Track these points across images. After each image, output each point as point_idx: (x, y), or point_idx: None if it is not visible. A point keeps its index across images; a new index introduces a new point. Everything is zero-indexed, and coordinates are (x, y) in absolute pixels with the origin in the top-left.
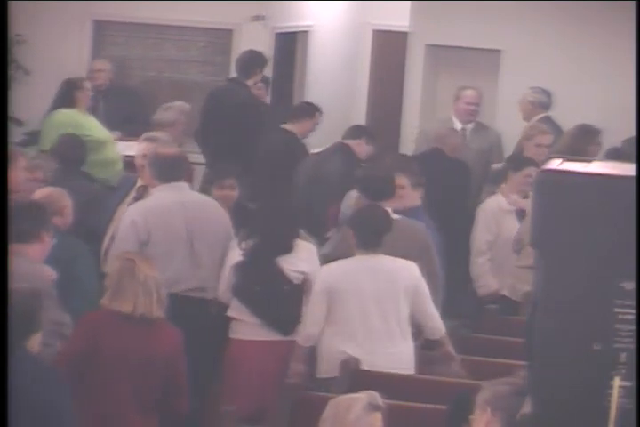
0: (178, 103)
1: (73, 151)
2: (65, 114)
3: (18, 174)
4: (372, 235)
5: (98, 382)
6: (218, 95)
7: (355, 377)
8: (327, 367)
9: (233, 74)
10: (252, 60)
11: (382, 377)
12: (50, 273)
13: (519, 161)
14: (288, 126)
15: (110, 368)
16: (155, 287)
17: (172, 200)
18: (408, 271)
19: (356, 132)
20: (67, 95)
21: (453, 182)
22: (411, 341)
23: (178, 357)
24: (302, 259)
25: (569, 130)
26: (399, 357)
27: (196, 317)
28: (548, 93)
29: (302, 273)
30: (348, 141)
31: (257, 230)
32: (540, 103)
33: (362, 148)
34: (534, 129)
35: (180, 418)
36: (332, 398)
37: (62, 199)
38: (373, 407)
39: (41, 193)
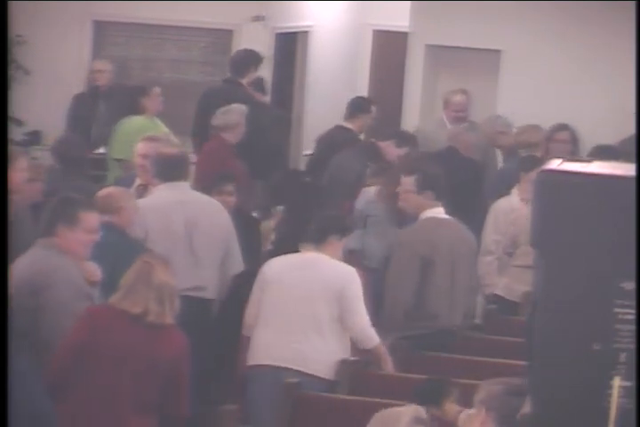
0: (235, 106)
1: (73, 151)
2: (136, 121)
3: (19, 175)
4: (318, 231)
5: (95, 378)
6: (213, 94)
7: (354, 379)
8: (253, 355)
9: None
10: (246, 59)
11: (382, 378)
12: (94, 272)
13: (531, 162)
14: (345, 123)
15: (109, 366)
16: (168, 295)
17: (172, 199)
18: (338, 276)
19: (386, 133)
20: (134, 102)
21: (467, 181)
22: (332, 343)
23: (182, 361)
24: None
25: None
26: (307, 354)
27: (196, 316)
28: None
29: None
30: (377, 142)
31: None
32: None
33: (390, 149)
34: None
35: (180, 421)
36: (378, 412)
37: (121, 199)
38: (419, 421)
39: (102, 192)
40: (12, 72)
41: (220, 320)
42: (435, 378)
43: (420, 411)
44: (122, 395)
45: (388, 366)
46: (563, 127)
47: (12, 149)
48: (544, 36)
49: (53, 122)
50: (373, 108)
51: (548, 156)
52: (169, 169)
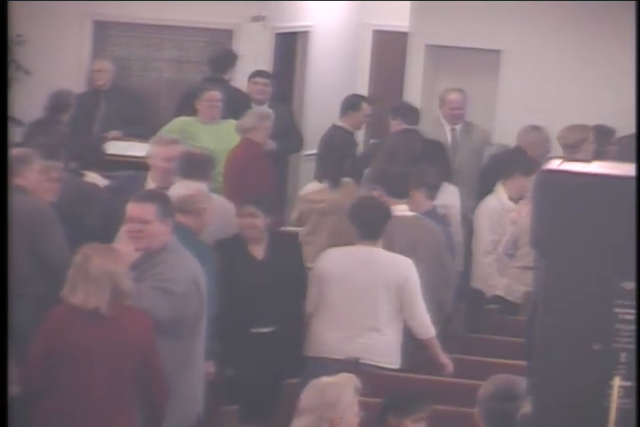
0: (256, 108)
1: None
2: (181, 121)
3: (34, 176)
4: (369, 227)
5: (72, 378)
6: (194, 93)
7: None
8: (312, 348)
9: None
10: (226, 57)
11: (383, 378)
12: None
13: (532, 166)
14: (338, 122)
15: (81, 361)
16: (109, 282)
17: None
18: (398, 267)
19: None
20: (187, 104)
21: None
22: (391, 335)
23: (149, 343)
24: (444, 197)
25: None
26: (369, 347)
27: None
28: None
29: (444, 206)
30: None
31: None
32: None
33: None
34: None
35: (160, 403)
36: (312, 383)
37: (204, 202)
38: (358, 391)
39: (181, 191)
40: (12, 72)
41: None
42: (411, 396)
43: (356, 380)
44: (101, 390)
45: (442, 359)
46: (535, 129)
47: (26, 151)
48: (544, 36)
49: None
50: (364, 105)
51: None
52: (192, 168)
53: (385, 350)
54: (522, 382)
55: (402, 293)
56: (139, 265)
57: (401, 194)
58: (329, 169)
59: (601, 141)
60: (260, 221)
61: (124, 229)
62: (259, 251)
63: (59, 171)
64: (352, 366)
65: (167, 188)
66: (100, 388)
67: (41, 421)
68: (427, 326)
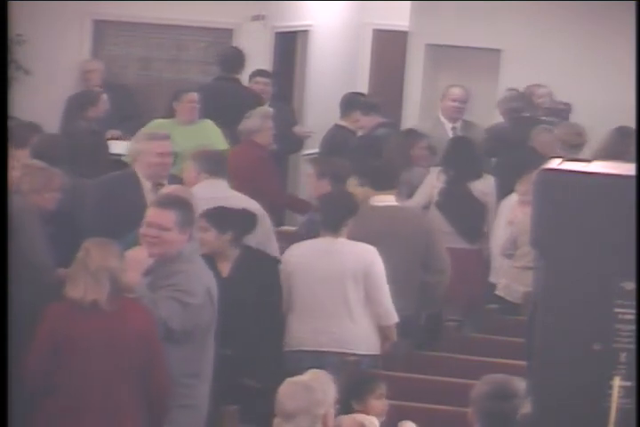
0: (258, 109)
1: (53, 150)
2: (158, 123)
3: (54, 195)
4: (334, 218)
5: (74, 372)
6: (209, 92)
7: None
8: (289, 342)
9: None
10: (237, 56)
11: (382, 378)
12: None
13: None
14: (339, 121)
15: (83, 356)
16: (107, 276)
17: (210, 197)
18: (361, 255)
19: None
20: (169, 106)
21: None
22: (364, 322)
23: (150, 335)
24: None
25: (607, 133)
26: (340, 336)
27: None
28: (521, 97)
29: (483, 193)
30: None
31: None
32: (513, 109)
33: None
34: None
35: (162, 399)
36: (285, 383)
37: (185, 195)
38: (334, 385)
39: (214, 187)
40: (12, 72)
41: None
42: (362, 376)
43: (329, 375)
44: (103, 384)
45: (386, 346)
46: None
47: (51, 170)
48: (544, 36)
49: (53, 122)
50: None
51: None
52: (212, 165)
53: (360, 338)
54: (515, 381)
55: (367, 279)
56: (153, 271)
57: (386, 186)
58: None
59: (623, 142)
60: (210, 235)
61: (140, 231)
62: (225, 267)
63: (61, 179)
64: (352, 366)
65: (162, 184)
66: (101, 382)
67: (45, 417)
68: (391, 313)
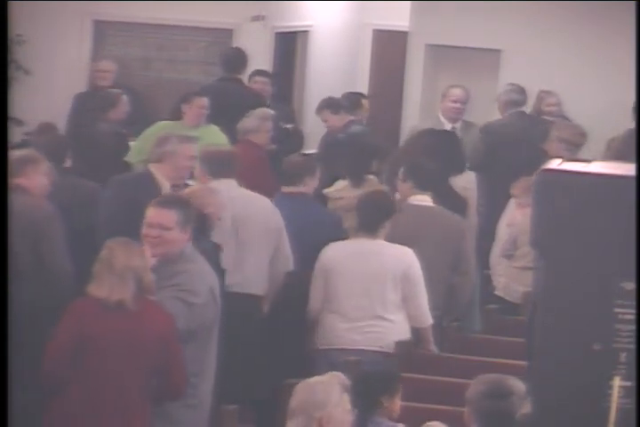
0: (258, 110)
1: (55, 148)
2: (161, 126)
3: (41, 179)
4: (372, 220)
5: (94, 370)
6: (214, 91)
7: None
8: (323, 340)
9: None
10: (240, 57)
11: None
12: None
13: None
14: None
15: (103, 354)
16: (132, 276)
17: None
18: (401, 258)
19: (319, 105)
20: (176, 108)
21: None
22: (400, 322)
23: (169, 338)
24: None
25: (619, 135)
26: (376, 335)
27: (242, 312)
28: (522, 91)
29: (464, 188)
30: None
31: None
32: (514, 101)
33: (328, 118)
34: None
35: (176, 399)
36: (300, 384)
37: (210, 196)
38: (345, 389)
39: (190, 189)
40: (12, 72)
41: (271, 317)
42: (389, 374)
43: (343, 378)
44: (120, 383)
45: (431, 346)
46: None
47: (33, 153)
48: (544, 36)
49: (53, 121)
50: (364, 102)
51: None
52: (219, 166)
53: (396, 337)
54: (509, 380)
55: (405, 282)
56: (156, 272)
57: (427, 186)
58: (347, 167)
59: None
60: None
61: (142, 232)
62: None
63: (52, 171)
64: (353, 366)
65: (182, 186)
66: (115, 382)
67: (61, 414)
68: (427, 315)
